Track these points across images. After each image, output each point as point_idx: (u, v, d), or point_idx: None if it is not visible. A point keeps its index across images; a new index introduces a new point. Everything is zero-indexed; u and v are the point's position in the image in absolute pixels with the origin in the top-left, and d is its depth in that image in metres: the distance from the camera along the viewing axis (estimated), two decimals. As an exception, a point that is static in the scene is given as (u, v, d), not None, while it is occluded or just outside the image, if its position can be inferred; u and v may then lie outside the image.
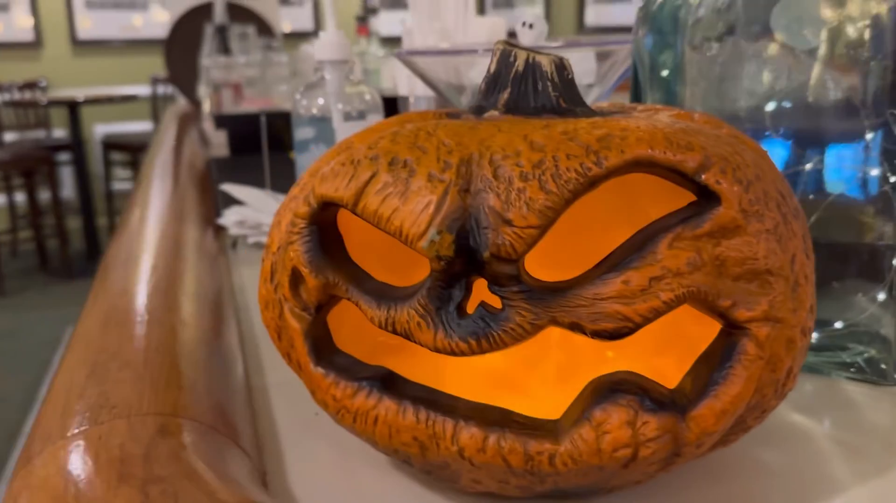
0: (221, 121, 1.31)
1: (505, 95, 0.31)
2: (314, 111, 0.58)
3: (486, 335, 0.26)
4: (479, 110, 0.32)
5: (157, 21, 4.06)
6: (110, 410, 0.30)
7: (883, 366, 0.41)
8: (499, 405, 0.28)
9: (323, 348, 0.30)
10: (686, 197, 0.27)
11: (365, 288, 0.28)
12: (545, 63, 0.31)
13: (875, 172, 0.42)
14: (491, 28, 0.72)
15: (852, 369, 0.41)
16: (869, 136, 0.42)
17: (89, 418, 0.30)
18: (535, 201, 0.25)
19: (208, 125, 1.48)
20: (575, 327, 0.26)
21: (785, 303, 0.27)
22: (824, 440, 0.35)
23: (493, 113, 0.31)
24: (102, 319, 0.42)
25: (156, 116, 3.87)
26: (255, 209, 0.73)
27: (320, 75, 0.58)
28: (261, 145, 1.29)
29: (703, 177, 0.26)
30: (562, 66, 0.32)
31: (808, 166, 0.44)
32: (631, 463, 0.26)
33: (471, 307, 0.27)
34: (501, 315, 0.26)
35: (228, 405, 0.35)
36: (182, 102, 2.37)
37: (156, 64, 3.95)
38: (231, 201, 0.76)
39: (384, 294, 0.28)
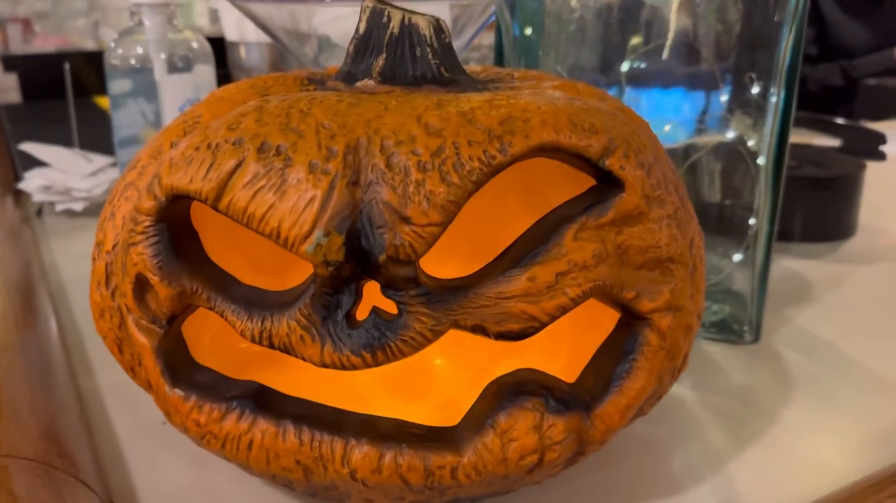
0: (11, 62, 1.15)
1: (380, 62, 0.28)
2: (132, 61, 0.51)
3: (381, 346, 0.23)
4: (349, 77, 0.29)
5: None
6: None
7: (736, 326, 0.42)
8: (389, 415, 0.25)
9: (179, 365, 0.25)
10: (584, 180, 0.26)
11: (232, 295, 0.24)
12: (423, 25, 0.28)
13: (731, 135, 0.42)
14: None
15: (711, 329, 0.42)
16: (724, 97, 0.43)
17: None
18: (436, 195, 0.22)
19: (-9, 65, 1.29)
20: (477, 329, 0.23)
21: (685, 290, 0.26)
22: (697, 407, 0.35)
23: (368, 82, 0.28)
24: None
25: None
26: (62, 171, 0.64)
27: (137, 20, 0.50)
28: (60, 89, 1.15)
29: (607, 162, 0.24)
30: (440, 29, 0.28)
31: (667, 128, 0.44)
32: (536, 468, 0.25)
33: (361, 313, 0.23)
34: (398, 322, 0.23)
35: (59, 426, 0.29)
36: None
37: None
38: (33, 162, 0.66)
39: (256, 302, 0.24)
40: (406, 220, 0.22)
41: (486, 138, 0.23)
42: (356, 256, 0.22)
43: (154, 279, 0.24)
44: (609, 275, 0.24)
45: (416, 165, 0.22)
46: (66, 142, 0.71)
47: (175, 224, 0.24)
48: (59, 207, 0.63)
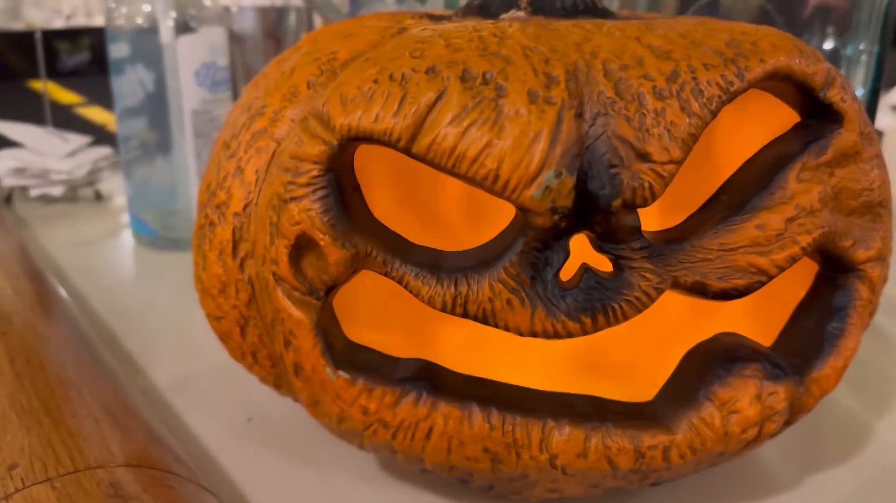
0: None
1: (530, -10, 0.24)
2: (138, 21, 0.45)
3: (603, 309, 0.19)
4: (482, 11, 0.25)
5: None
6: (7, 472, 0.20)
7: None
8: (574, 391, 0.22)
9: (337, 344, 0.21)
10: (781, 116, 0.23)
11: (412, 258, 0.20)
12: (573, -50, 0.24)
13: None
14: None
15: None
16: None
17: (-28, 492, 0.19)
18: (677, 127, 0.19)
19: None
20: (697, 287, 0.20)
21: (889, 239, 0.24)
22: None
23: (517, 14, 0.24)
24: None
25: None
26: (36, 152, 0.57)
27: (142, -25, 0.45)
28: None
29: (829, 93, 0.21)
30: (583, -44, 0.25)
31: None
32: (752, 442, 0.22)
33: (565, 273, 0.20)
34: (620, 280, 0.20)
35: (154, 427, 0.25)
36: None
37: None
38: (1, 143, 0.59)
39: (441, 264, 0.20)
40: (644, 157, 0.19)
41: (721, 62, 0.19)
42: (578, 203, 0.19)
43: (324, 240, 0.20)
44: (832, 222, 0.22)
45: (651, 92, 0.19)
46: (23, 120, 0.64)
47: (341, 175, 0.20)
48: (33, 192, 0.56)
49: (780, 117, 0.23)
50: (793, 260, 0.21)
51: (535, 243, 0.19)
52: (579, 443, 0.21)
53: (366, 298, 0.23)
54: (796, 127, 0.22)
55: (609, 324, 0.20)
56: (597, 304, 0.19)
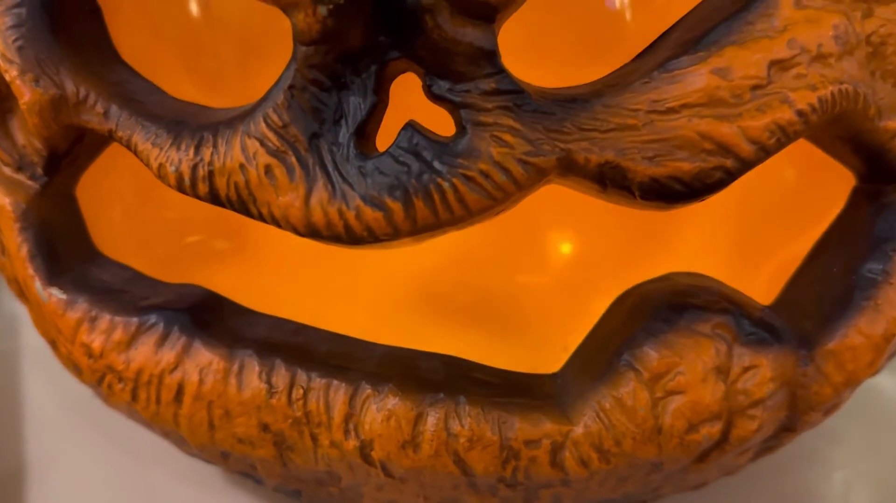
0: None
1: None
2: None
3: (423, 188, 0.11)
4: None
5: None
6: None
7: None
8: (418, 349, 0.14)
9: (65, 251, 0.14)
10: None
11: (146, 109, 0.13)
12: None
13: None
14: None
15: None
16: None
17: None
18: None
19: None
20: (610, 173, 0.12)
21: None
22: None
23: None
24: None
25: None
26: None
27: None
28: None
29: None
30: None
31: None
32: (713, 451, 0.13)
33: (382, 142, 0.12)
34: (458, 144, 0.11)
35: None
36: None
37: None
38: None
39: (185, 118, 0.13)
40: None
41: None
42: (372, 5, 0.11)
43: (10, 71, 0.13)
44: (863, 81, 0.13)
45: None
46: None
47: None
48: None
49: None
50: (782, 133, 0.12)
51: (311, 72, 0.12)
52: (406, 423, 0.13)
53: (120, 190, 0.16)
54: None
55: (439, 221, 0.12)
56: (413, 181, 0.11)
